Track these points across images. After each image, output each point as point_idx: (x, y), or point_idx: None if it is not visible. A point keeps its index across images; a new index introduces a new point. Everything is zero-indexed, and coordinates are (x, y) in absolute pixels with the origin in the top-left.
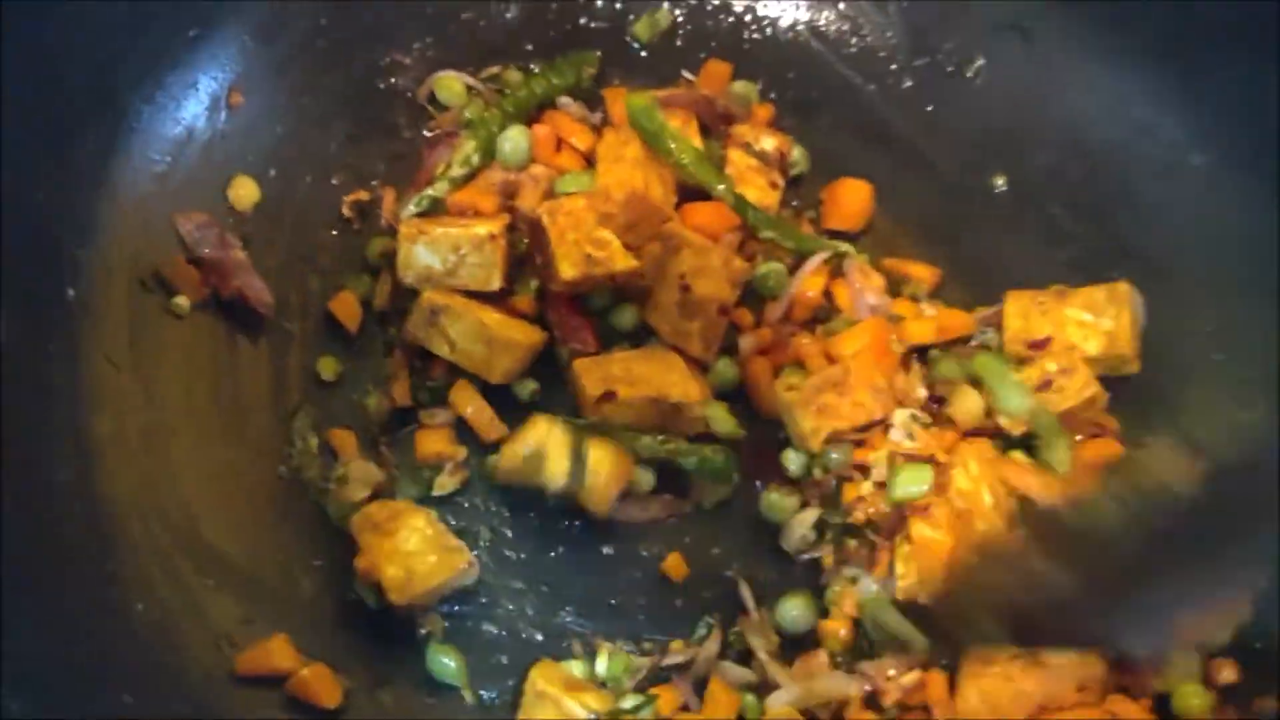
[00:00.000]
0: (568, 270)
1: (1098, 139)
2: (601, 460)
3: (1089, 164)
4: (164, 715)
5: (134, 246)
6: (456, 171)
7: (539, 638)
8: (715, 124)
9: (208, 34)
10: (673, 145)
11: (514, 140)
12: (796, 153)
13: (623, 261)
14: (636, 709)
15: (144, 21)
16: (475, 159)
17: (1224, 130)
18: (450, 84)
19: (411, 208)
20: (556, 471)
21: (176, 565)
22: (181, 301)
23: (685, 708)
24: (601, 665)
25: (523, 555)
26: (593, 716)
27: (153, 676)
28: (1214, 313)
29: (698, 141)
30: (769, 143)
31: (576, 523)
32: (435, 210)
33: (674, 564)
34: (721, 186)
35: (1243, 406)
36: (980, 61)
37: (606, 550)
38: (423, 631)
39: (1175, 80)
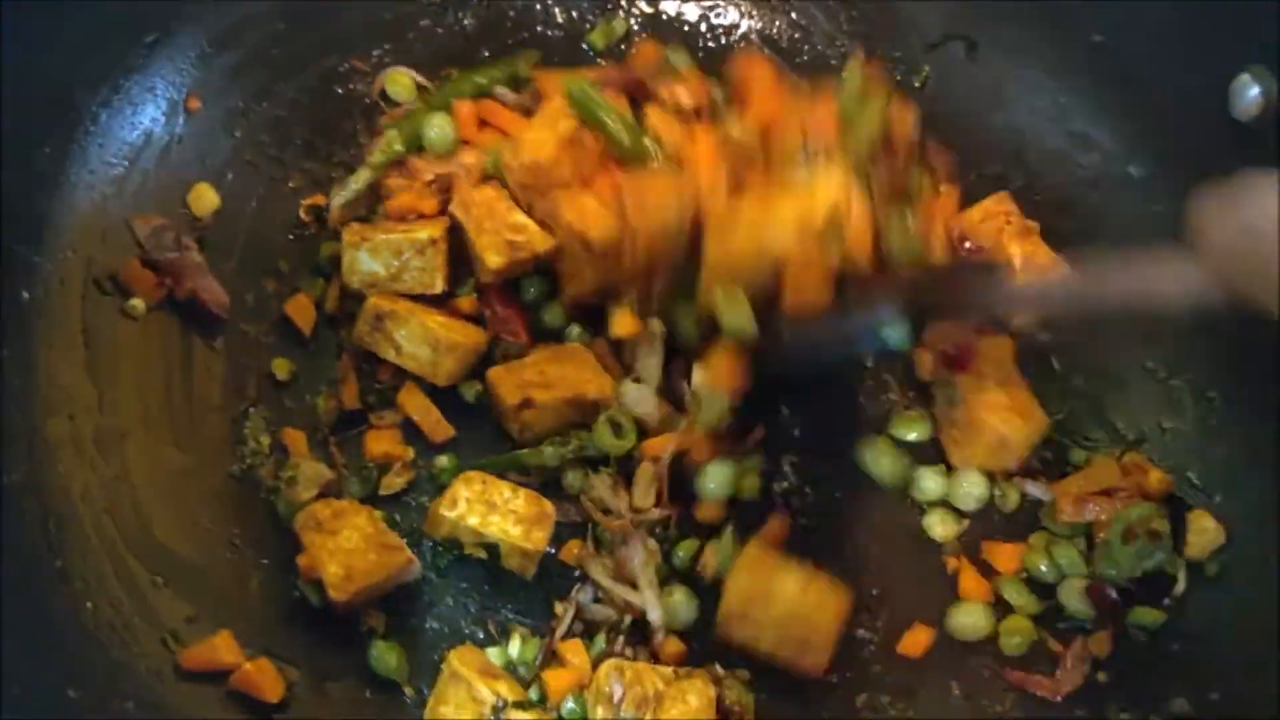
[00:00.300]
0: (493, 259)
1: (1039, 148)
2: (510, 535)
3: (1031, 172)
4: (109, 710)
5: (90, 249)
6: (378, 158)
7: (480, 635)
8: (645, 99)
9: (165, 40)
10: (611, 123)
11: (438, 126)
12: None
13: (542, 242)
14: (542, 699)
15: (102, 27)
16: (398, 145)
17: (1157, 141)
18: (399, 79)
19: (336, 201)
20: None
21: (127, 564)
22: (137, 304)
23: None
24: (514, 649)
25: (466, 552)
26: (500, 703)
27: (99, 671)
28: (1143, 319)
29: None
30: (685, 97)
31: None
32: (363, 203)
33: None
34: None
35: (1172, 413)
36: (927, 70)
37: (550, 549)
38: (365, 628)
39: (1111, 93)
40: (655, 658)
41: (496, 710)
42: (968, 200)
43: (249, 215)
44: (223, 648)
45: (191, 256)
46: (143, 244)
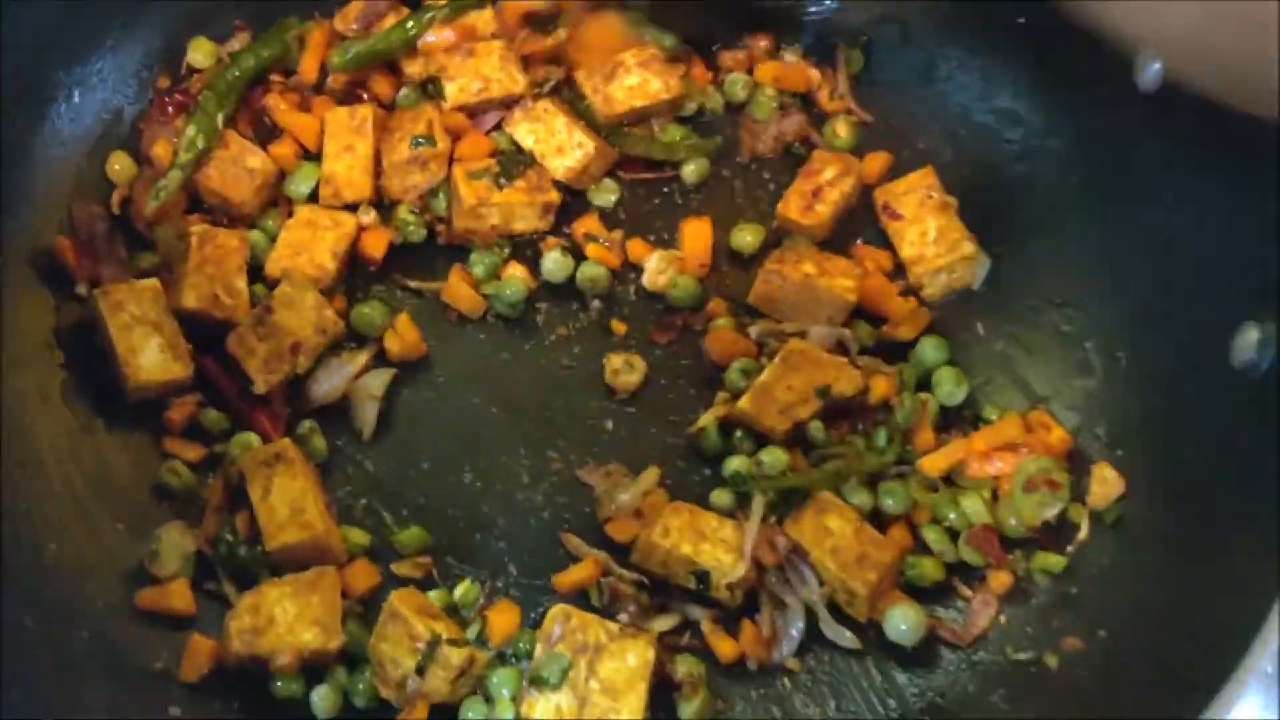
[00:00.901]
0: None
1: (968, 124)
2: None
3: (959, 147)
4: (64, 639)
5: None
6: (184, 158)
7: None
8: None
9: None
10: None
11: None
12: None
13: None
14: (479, 636)
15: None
16: (200, 141)
17: (1075, 116)
18: (203, 45)
19: (151, 202)
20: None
21: (89, 509)
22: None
23: None
24: (457, 593)
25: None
26: (435, 638)
27: (56, 606)
28: (1060, 283)
29: None
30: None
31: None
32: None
33: None
34: None
35: (1082, 373)
36: (861, 50)
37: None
38: None
39: (1034, 71)
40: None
41: (431, 646)
42: (899, 173)
43: None
44: (176, 593)
45: (117, 250)
46: (75, 228)
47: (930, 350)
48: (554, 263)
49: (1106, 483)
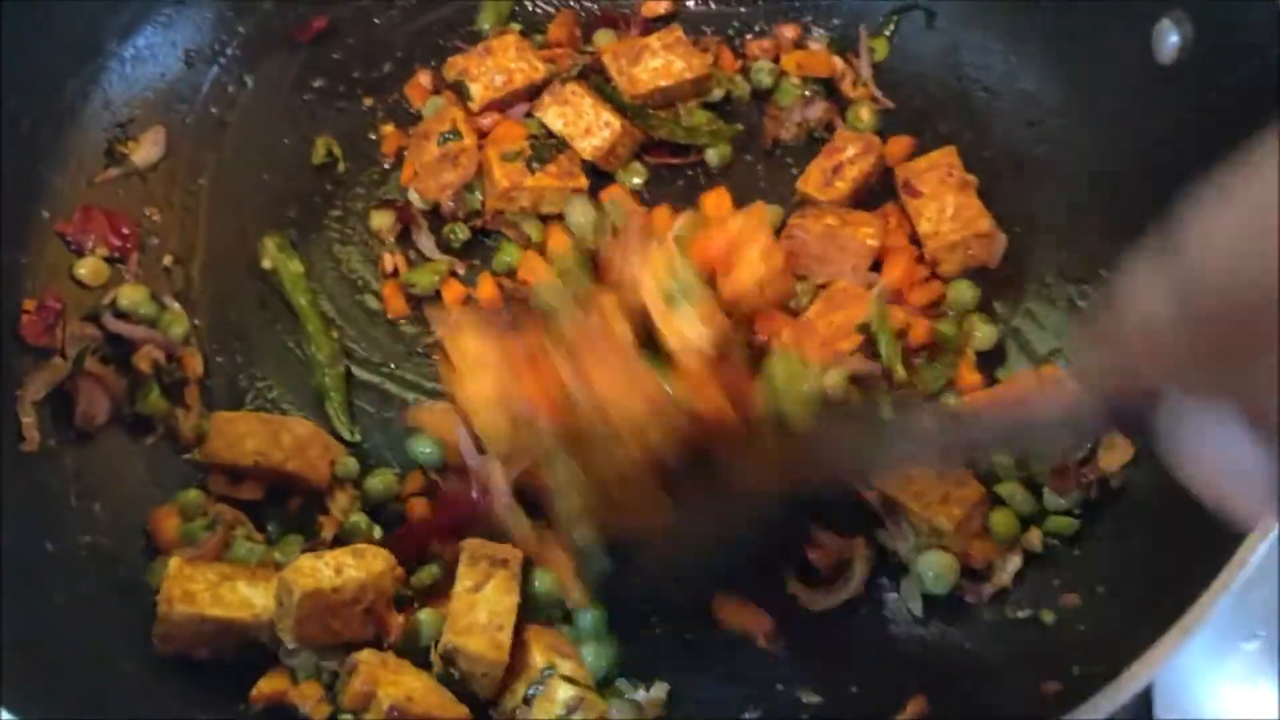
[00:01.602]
0: None
1: (990, 108)
2: None
3: (981, 129)
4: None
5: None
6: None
7: None
8: None
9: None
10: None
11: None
12: None
13: None
14: None
15: None
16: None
17: (1097, 99)
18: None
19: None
20: None
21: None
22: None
23: None
24: None
25: None
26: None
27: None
28: (1077, 260)
29: None
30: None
31: None
32: None
33: None
34: None
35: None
36: (888, 36)
37: None
38: None
39: (1057, 54)
40: None
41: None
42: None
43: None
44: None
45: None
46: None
47: (965, 290)
48: (582, 214)
49: (1115, 448)
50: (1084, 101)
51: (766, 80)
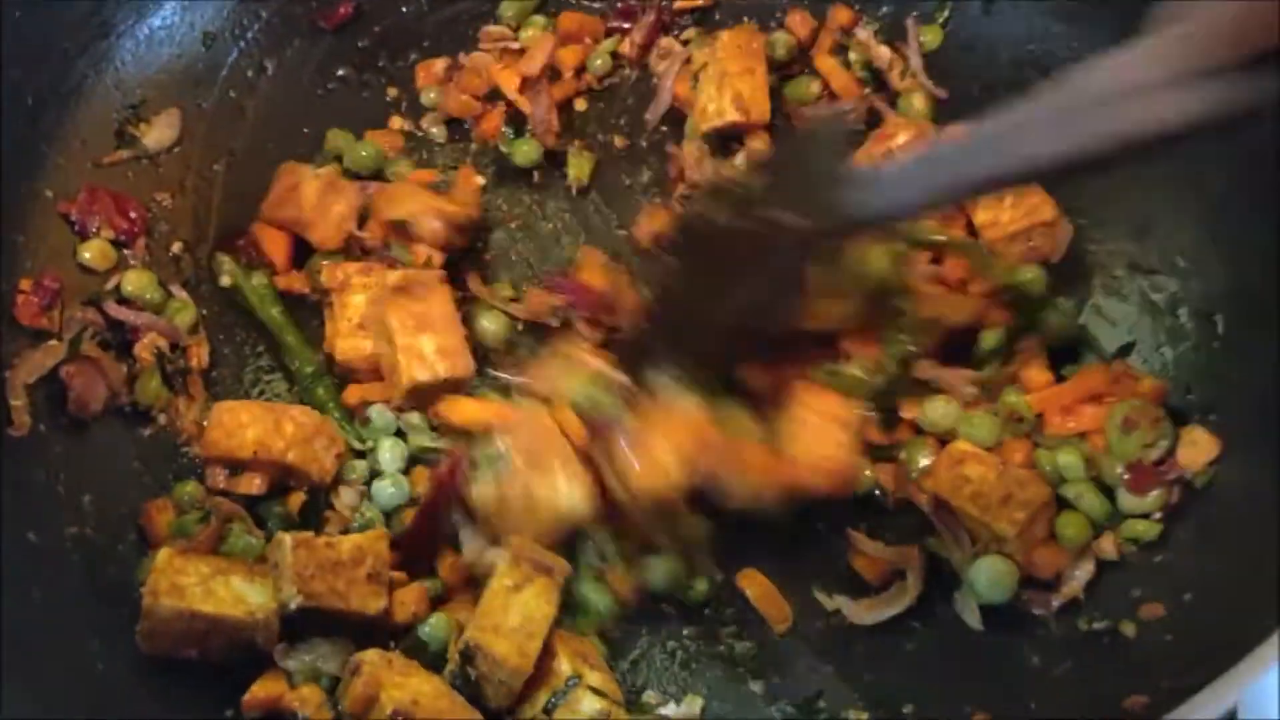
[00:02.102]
0: None
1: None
2: None
3: None
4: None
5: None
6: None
7: None
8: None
9: None
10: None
11: None
12: None
13: None
14: None
15: None
16: None
17: None
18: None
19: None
20: None
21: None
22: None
23: None
24: None
25: None
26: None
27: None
28: (1149, 251)
29: None
30: None
31: None
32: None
33: None
34: None
35: (1174, 341)
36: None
37: None
38: None
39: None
40: None
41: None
42: None
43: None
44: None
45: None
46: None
47: (1031, 276)
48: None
49: (1197, 445)
50: None
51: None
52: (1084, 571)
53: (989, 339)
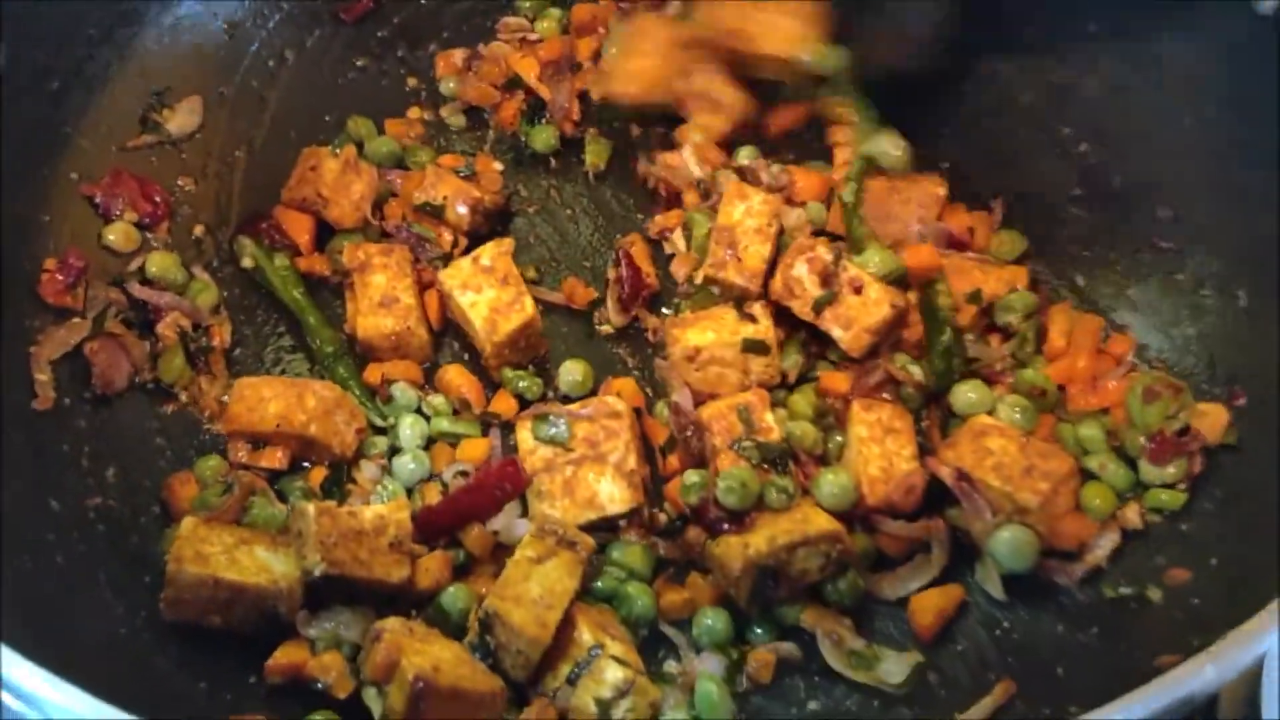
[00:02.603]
0: None
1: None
2: None
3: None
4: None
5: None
6: None
7: None
8: None
9: None
10: None
11: None
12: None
13: None
14: None
15: None
16: None
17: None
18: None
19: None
20: None
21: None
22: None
23: None
24: None
25: None
26: (597, 647)
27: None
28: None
29: None
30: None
31: None
32: None
33: None
34: None
35: (1195, 318)
36: None
37: None
38: None
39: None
40: None
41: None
42: None
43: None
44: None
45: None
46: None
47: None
48: None
49: (1209, 416)
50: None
51: None
52: (1109, 541)
53: (1017, 301)
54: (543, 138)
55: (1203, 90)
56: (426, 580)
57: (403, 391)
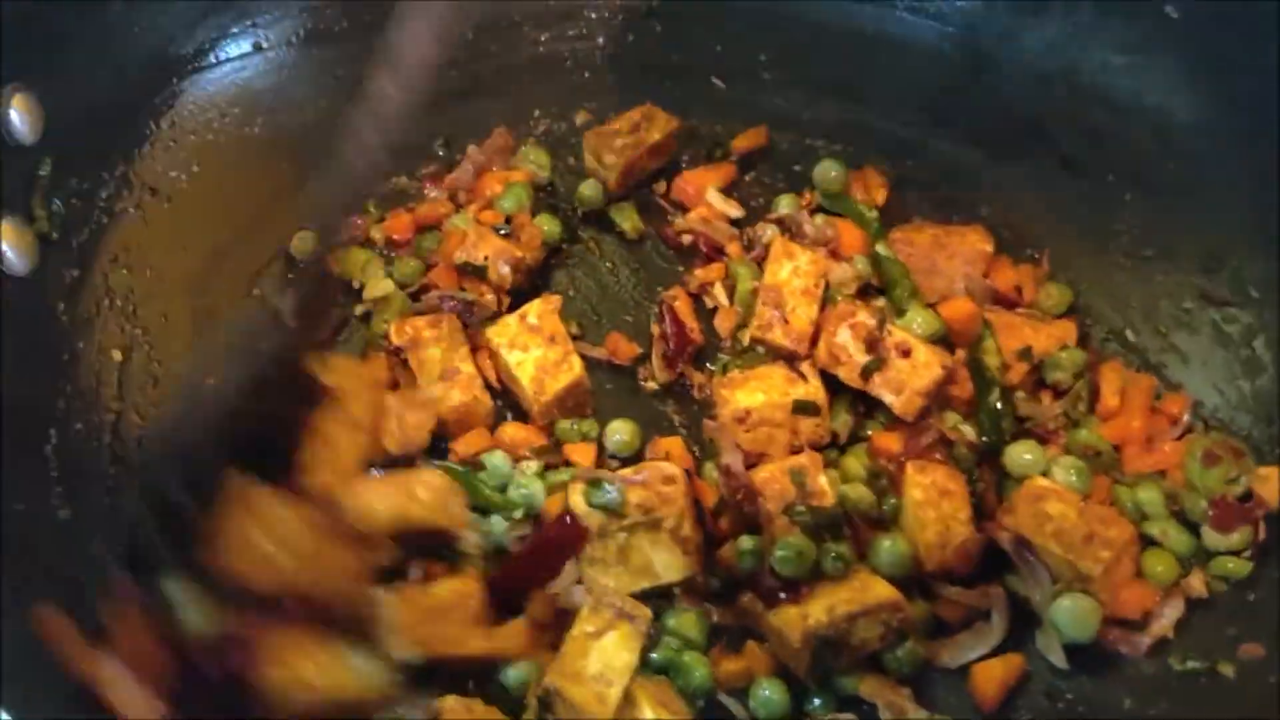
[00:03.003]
0: None
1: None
2: None
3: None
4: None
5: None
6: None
7: None
8: None
9: None
10: None
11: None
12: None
13: None
14: None
15: None
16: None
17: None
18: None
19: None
20: None
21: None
22: None
23: None
24: None
25: None
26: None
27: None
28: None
29: None
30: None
31: None
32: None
33: None
34: None
35: (1249, 374)
36: None
37: None
38: None
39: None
40: None
41: None
42: None
43: None
44: None
45: None
46: None
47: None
48: None
49: (1269, 481)
50: (1221, 114)
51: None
52: (1173, 610)
53: (1066, 359)
54: (587, 198)
55: (1253, 141)
56: (514, 647)
57: (500, 460)
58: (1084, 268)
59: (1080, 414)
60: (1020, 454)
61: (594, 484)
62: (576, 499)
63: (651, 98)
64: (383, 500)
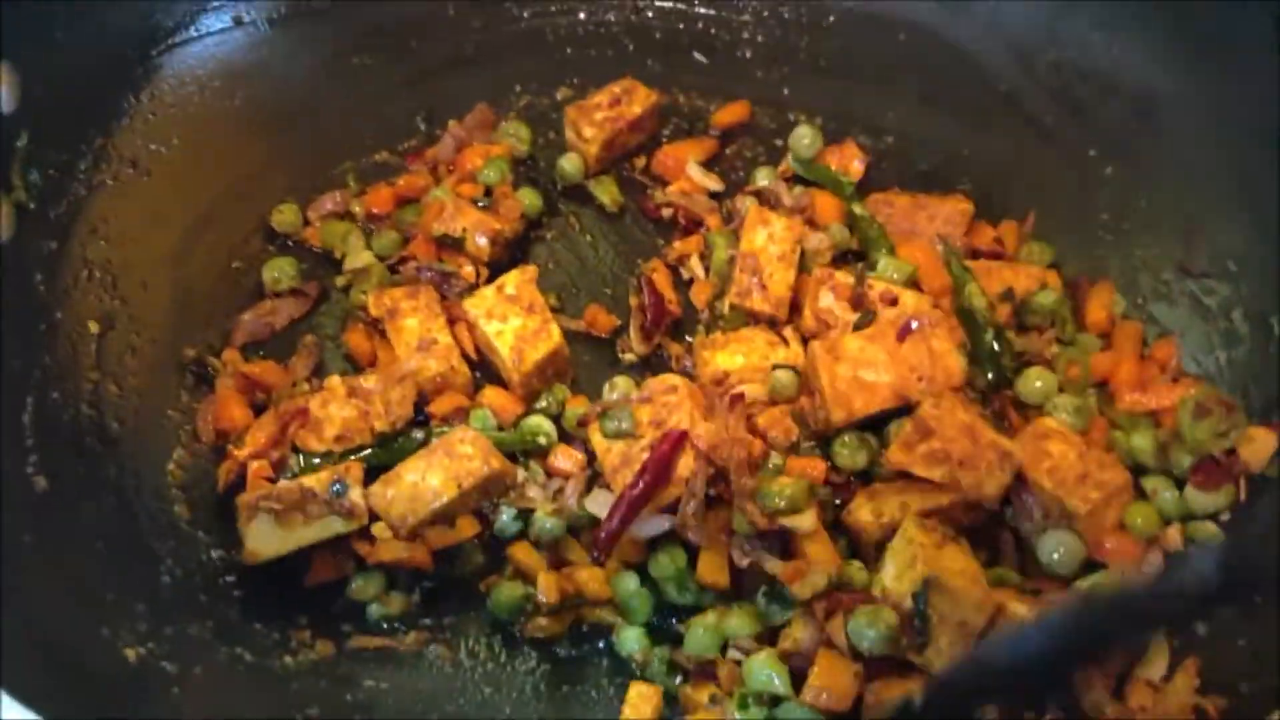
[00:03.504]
0: None
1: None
2: None
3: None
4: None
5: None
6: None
7: None
8: None
9: None
10: None
11: None
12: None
13: None
14: None
15: None
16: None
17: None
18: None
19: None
20: None
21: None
22: None
23: None
24: None
25: None
26: None
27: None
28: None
29: None
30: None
31: None
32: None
33: None
34: None
35: (1228, 345)
36: None
37: None
38: None
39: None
40: None
41: None
42: None
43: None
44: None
45: None
46: None
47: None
48: None
49: (1256, 441)
50: (1200, 88)
51: None
52: (1151, 564)
53: (1044, 299)
54: (568, 172)
55: (1233, 115)
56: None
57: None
58: (1064, 241)
59: (1070, 334)
60: (1032, 382)
61: (604, 416)
62: (596, 437)
63: (633, 72)
64: (435, 472)
